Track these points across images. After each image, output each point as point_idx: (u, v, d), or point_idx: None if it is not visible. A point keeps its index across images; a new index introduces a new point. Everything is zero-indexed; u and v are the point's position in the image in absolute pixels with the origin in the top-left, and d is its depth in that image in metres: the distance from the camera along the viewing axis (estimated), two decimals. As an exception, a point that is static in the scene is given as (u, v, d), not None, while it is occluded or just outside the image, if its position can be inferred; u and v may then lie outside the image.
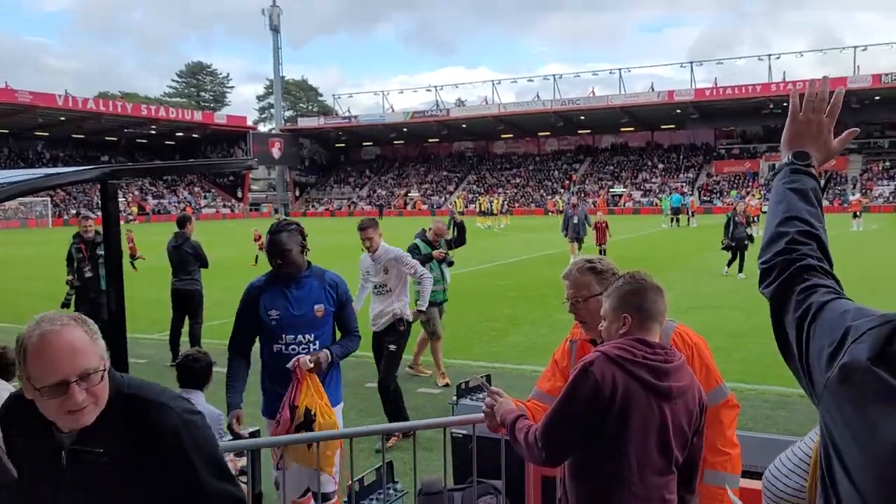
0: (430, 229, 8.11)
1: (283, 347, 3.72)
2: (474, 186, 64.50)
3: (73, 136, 61.58)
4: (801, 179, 1.45)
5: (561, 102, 60.64)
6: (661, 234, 30.44)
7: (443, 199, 63.99)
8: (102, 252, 8.53)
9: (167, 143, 69.09)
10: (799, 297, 1.25)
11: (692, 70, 59.24)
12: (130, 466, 1.63)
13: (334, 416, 3.57)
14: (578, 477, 2.12)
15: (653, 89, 58.93)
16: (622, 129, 64.51)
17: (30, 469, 1.58)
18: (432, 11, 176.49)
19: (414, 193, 66.56)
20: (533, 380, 7.85)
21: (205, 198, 66.68)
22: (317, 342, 3.74)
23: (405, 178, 70.48)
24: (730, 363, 7.96)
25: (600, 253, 16.42)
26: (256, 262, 18.91)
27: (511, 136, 68.81)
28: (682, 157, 62.44)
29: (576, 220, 18.65)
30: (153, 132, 65.09)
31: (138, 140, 66.95)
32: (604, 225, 18.74)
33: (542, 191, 62.12)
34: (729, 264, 15.69)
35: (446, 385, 7.38)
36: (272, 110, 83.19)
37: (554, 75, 63.61)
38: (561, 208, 42.12)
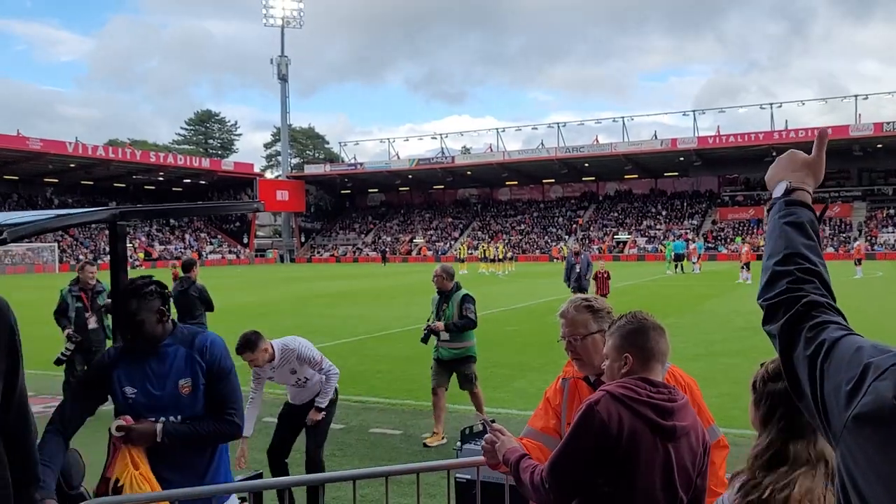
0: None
1: None
2: (479, 233, 64.76)
3: (82, 182, 62.36)
4: (796, 212, 1.41)
5: (565, 150, 61.29)
6: (665, 281, 30.39)
7: (447, 245, 64.21)
8: (105, 302, 8.34)
9: (175, 189, 69.84)
10: (809, 335, 1.20)
11: (695, 118, 60.05)
12: None
13: (148, 485, 2.80)
14: None
15: (656, 137, 59.58)
16: (626, 177, 65.03)
17: None
18: (441, 61, 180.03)
19: (419, 240, 66.83)
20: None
21: (210, 243, 67.04)
22: None
23: (410, 224, 70.86)
24: (735, 410, 7.87)
25: None
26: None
27: (516, 182, 69.37)
28: (685, 203, 62.76)
29: (578, 270, 17.65)
30: (161, 178, 65.88)
31: (146, 186, 67.71)
32: (605, 275, 17.54)
33: (546, 237, 62.31)
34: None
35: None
36: (279, 157, 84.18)
37: (558, 123, 64.52)
38: (565, 255, 42.18)
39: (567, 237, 60.40)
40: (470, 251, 45.62)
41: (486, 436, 2.36)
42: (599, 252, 55.78)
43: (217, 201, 65.17)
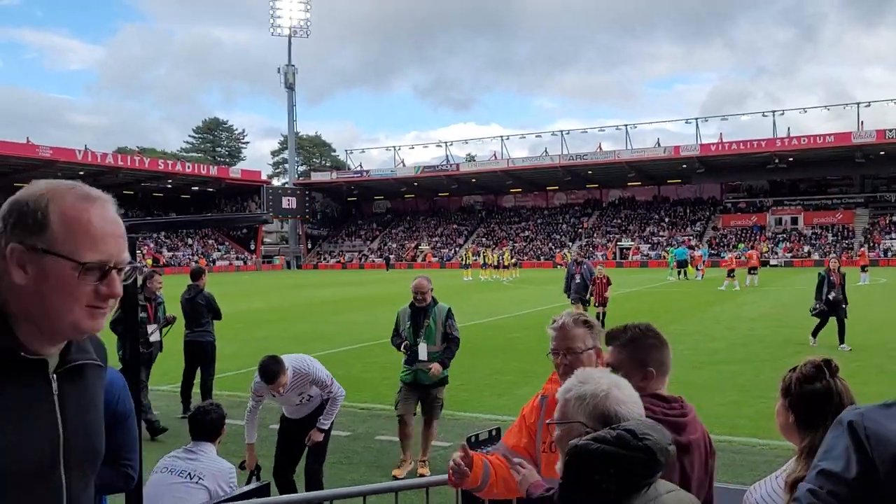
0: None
1: None
2: (483, 239, 64.85)
3: (90, 189, 62.59)
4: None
5: (569, 157, 61.38)
6: (668, 288, 30.41)
7: (452, 251, 64.30)
8: (168, 315, 8.43)
9: (183, 196, 70.11)
10: None
11: (697, 126, 59.82)
12: (97, 381, 1.44)
13: None
14: None
15: (659, 144, 59.64)
16: (629, 184, 65.09)
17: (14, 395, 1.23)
18: (449, 68, 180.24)
19: (424, 246, 66.95)
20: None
21: (218, 250, 67.28)
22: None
23: (415, 231, 71.00)
24: (740, 418, 7.93)
25: (599, 316, 15.12)
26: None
27: (520, 190, 69.48)
28: (688, 210, 62.76)
29: (578, 279, 16.40)
30: (169, 186, 66.16)
31: (154, 193, 67.99)
32: (604, 280, 16.26)
33: (550, 244, 62.36)
34: (815, 333, 12.69)
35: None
36: (286, 165, 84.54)
37: (562, 131, 64.62)
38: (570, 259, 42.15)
39: (571, 244, 60.46)
40: (474, 257, 45.70)
41: (455, 455, 2.28)
42: (604, 259, 55.91)
43: (224, 213, 65.39)
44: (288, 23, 71.26)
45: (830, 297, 12.39)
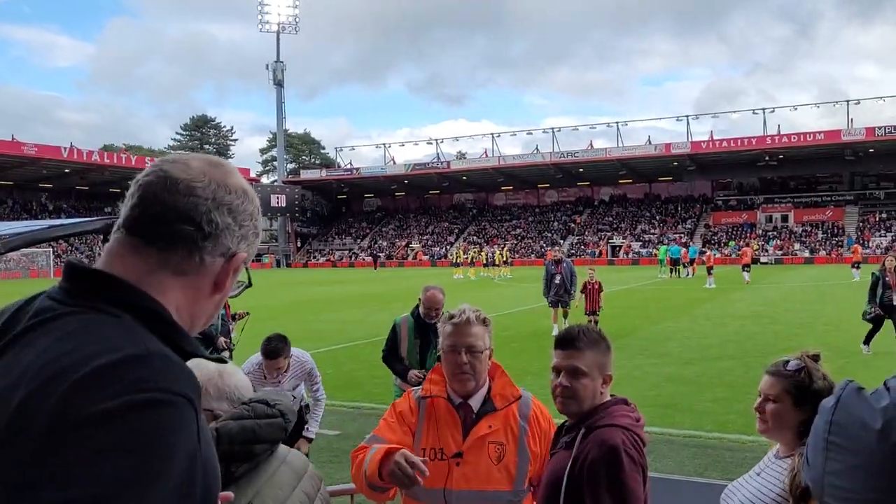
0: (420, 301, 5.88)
1: None
2: (475, 237, 64.83)
3: (77, 187, 62.21)
4: None
5: (560, 155, 61.42)
6: (659, 285, 30.46)
7: (443, 249, 64.23)
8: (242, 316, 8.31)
9: (170, 194, 69.69)
10: None
11: (688, 123, 59.93)
12: None
13: None
14: None
15: (650, 142, 59.76)
16: (620, 181, 65.22)
17: None
18: (443, 64, 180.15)
19: (415, 244, 66.85)
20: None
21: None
22: None
23: (406, 229, 70.89)
24: (730, 414, 7.90)
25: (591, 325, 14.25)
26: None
27: (511, 188, 69.49)
28: (679, 208, 62.95)
29: (558, 281, 14.34)
30: (156, 184, 65.74)
31: (141, 192, 67.58)
32: (596, 286, 14.32)
33: (541, 241, 62.43)
34: (868, 340, 11.47)
35: None
36: (275, 163, 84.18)
37: (552, 128, 64.72)
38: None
39: (562, 241, 60.52)
40: (464, 255, 45.72)
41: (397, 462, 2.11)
42: (595, 256, 56.00)
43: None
44: (276, 19, 71.01)
45: (887, 299, 11.17)
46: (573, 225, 64.11)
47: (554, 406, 2.23)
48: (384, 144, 72.97)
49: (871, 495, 1.08)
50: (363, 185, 71.69)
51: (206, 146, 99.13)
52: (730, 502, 2.23)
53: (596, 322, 14.26)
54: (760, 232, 56.59)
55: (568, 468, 2.02)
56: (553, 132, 64.26)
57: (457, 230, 68.53)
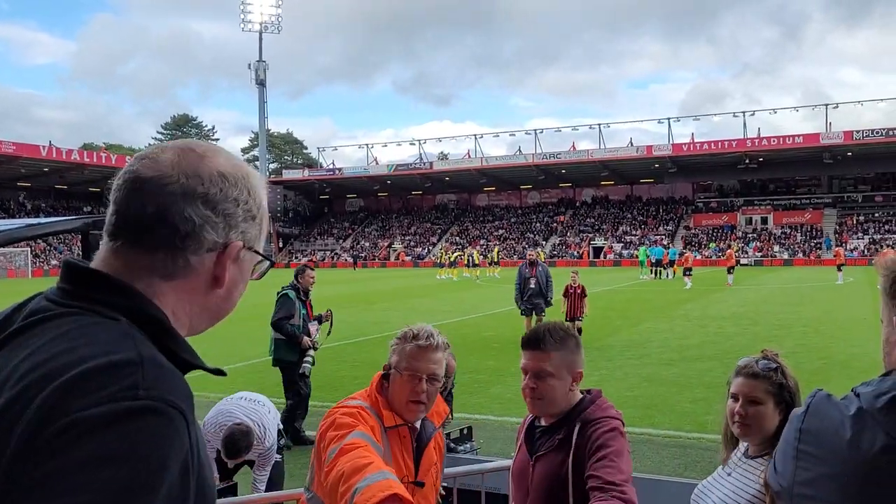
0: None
1: None
2: (457, 238, 64.88)
3: (56, 186, 61.42)
4: None
5: (542, 156, 61.62)
6: (640, 286, 30.65)
7: (426, 250, 64.22)
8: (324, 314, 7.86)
9: (150, 193, 69.01)
10: None
11: (669, 125, 60.46)
12: None
13: None
14: None
15: (631, 144, 60.15)
16: (602, 183, 65.58)
17: None
18: (432, 64, 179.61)
19: (397, 245, 66.78)
20: (513, 431, 7.75)
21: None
22: None
23: (389, 229, 70.80)
24: (710, 414, 7.96)
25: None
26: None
27: (493, 188, 69.61)
28: (661, 210, 63.41)
29: (533, 285, 13.06)
30: (136, 183, 65.05)
31: (121, 191, 66.85)
32: (579, 291, 13.18)
33: (524, 242, 62.61)
34: None
35: None
36: (257, 162, 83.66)
37: (535, 130, 64.92)
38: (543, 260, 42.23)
39: (544, 242, 60.74)
40: (445, 256, 45.77)
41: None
42: (577, 258, 56.25)
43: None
44: (259, 18, 70.61)
45: None
46: (555, 225, 64.36)
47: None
48: (367, 145, 72.86)
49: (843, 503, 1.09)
50: (346, 185, 71.49)
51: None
52: (702, 503, 2.23)
53: (580, 330, 13.32)
54: (740, 234, 57.15)
55: (570, 463, 2.01)
56: (536, 133, 64.54)
57: (439, 231, 68.55)
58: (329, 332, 7.94)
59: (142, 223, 0.95)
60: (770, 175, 58.07)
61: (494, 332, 15.47)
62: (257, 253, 1.08)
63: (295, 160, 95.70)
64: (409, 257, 63.49)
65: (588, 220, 64.68)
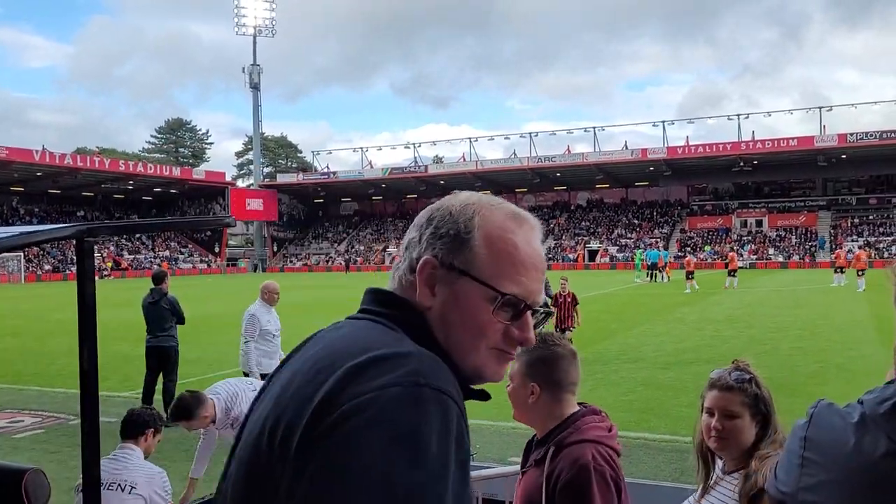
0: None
1: None
2: (452, 242, 64.87)
3: (49, 191, 61.18)
4: None
5: (537, 159, 61.70)
6: (636, 290, 30.67)
7: (421, 254, 64.13)
8: None
9: (145, 198, 68.91)
10: None
11: (664, 128, 60.51)
12: None
13: None
14: None
15: (626, 147, 60.27)
16: (598, 186, 65.66)
17: None
18: (430, 65, 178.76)
19: (392, 249, 66.70)
20: (510, 436, 7.72)
21: (181, 253, 66.22)
22: None
23: (383, 233, 70.75)
24: (707, 418, 7.96)
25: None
26: None
27: (488, 192, 69.03)
28: (656, 213, 63.53)
29: None
30: (130, 187, 64.95)
31: (115, 195, 66.69)
32: (570, 299, 12.18)
33: (519, 246, 62.64)
34: None
35: None
36: (252, 166, 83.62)
37: (530, 133, 64.99)
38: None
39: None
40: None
41: None
42: (573, 261, 56.28)
43: (186, 217, 64.44)
44: (253, 22, 70.62)
45: None
46: (551, 228, 64.37)
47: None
48: (362, 148, 72.84)
49: None
50: (340, 189, 71.44)
51: (182, 149, 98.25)
52: None
53: (570, 341, 13.39)
54: (735, 237, 57.28)
55: (543, 488, 1.93)
56: (531, 137, 64.61)
57: (435, 234, 68.51)
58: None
59: None
60: (765, 178, 58.23)
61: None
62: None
63: (289, 164, 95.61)
64: (405, 261, 63.48)
65: (583, 223, 64.77)
